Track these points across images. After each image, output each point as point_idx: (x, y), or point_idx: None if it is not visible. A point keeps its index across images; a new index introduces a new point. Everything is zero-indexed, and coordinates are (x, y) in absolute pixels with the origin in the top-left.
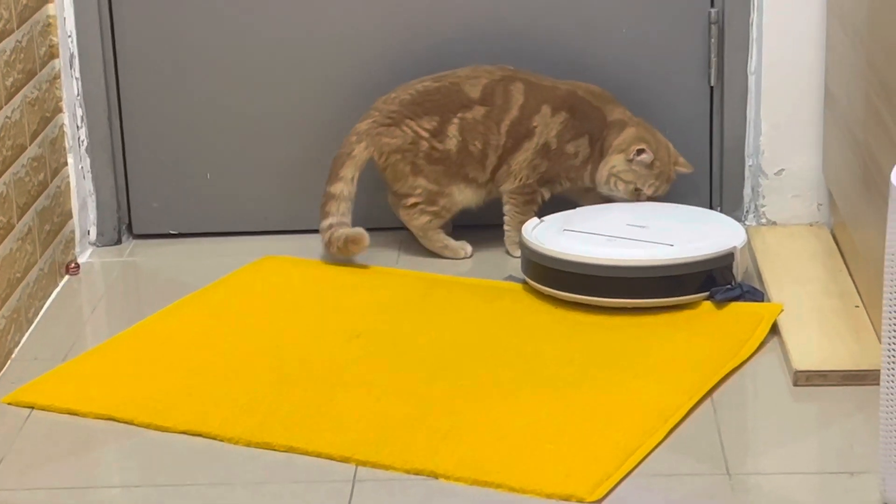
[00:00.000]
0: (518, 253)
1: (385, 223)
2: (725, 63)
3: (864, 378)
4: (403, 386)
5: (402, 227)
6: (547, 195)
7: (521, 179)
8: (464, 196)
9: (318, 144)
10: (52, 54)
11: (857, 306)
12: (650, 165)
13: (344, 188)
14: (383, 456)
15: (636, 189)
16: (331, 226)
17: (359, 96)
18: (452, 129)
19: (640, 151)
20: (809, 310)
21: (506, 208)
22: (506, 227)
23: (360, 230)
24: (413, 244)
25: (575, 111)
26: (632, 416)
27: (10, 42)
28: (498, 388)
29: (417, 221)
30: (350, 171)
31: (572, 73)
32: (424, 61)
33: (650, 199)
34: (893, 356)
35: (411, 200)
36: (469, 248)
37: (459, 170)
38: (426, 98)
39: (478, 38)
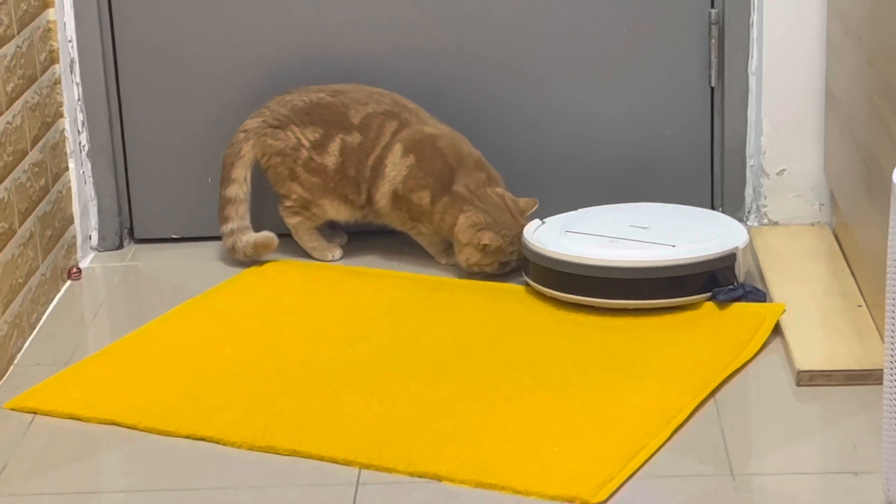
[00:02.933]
0: (444, 261)
1: (384, 227)
2: (726, 63)
3: (867, 378)
4: (406, 389)
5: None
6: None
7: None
8: (336, 212)
9: None
10: (53, 59)
11: (860, 306)
12: (500, 246)
13: (238, 190)
14: (386, 459)
15: (501, 263)
16: (232, 231)
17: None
18: (333, 147)
19: (486, 246)
20: (812, 310)
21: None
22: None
23: (267, 234)
24: (414, 247)
25: (423, 158)
26: (634, 418)
27: (10, 47)
28: (500, 391)
29: (290, 220)
30: (241, 172)
31: (571, 74)
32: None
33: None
34: None
35: (287, 203)
36: (338, 253)
37: (336, 187)
38: (316, 110)
39: (480, 36)
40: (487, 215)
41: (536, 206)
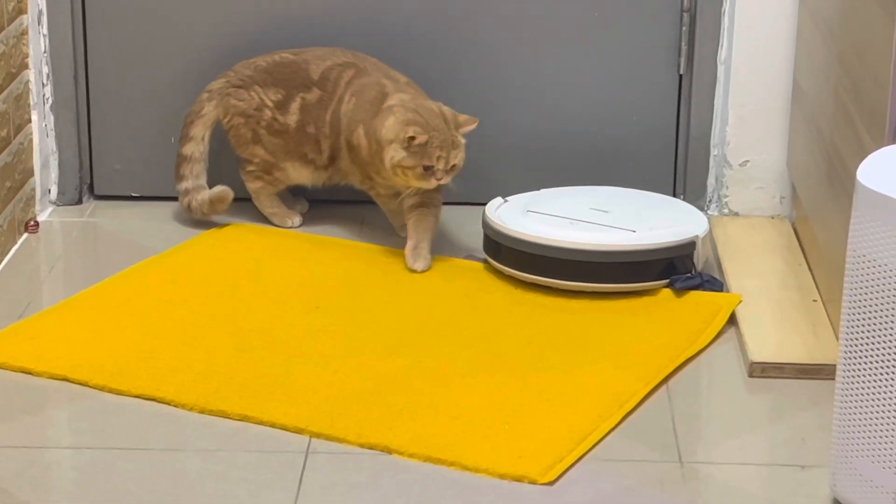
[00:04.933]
0: (404, 233)
1: (347, 196)
2: (696, 51)
3: (819, 372)
4: (361, 360)
5: (365, 201)
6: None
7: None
8: (299, 174)
9: None
10: (21, 10)
11: (815, 300)
12: (427, 144)
13: (195, 148)
14: (338, 429)
15: (425, 168)
16: (187, 190)
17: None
18: (294, 106)
19: (411, 139)
20: (768, 302)
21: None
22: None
23: (221, 188)
24: (376, 218)
25: (361, 95)
26: (587, 400)
27: None
28: (455, 367)
29: (251, 185)
30: (200, 131)
31: (540, 55)
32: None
33: (447, 173)
34: (850, 352)
35: (249, 167)
36: (297, 220)
37: (297, 147)
38: (278, 69)
39: (447, 18)
40: (419, 116)
41: (475, 125)
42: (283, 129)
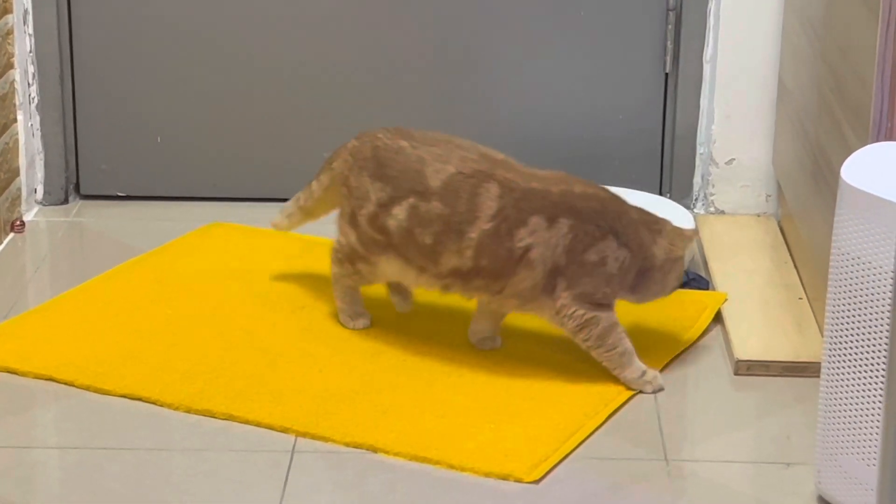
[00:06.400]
0: (650, 389)
1: None
2: (681, 50)
3: (805, 370)
4: (346, 359)
5: None
6: (611, 319)
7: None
8: (396, 272)
9: (270, 113)
10: (6, 9)
11: (801, 298)
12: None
13: (307, 194)
14: (323, 428)
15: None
16: (276, 224)
17: (312, 65)
18: (399, 211)
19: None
20: (753, 300)
21: (586, 347)
22: (613, 370)
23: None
24: None
25: (578, 214)
26: (572, 399)
27: None
28: (440, 366)
29: (332, 267)
30: (324, 181)
31: (527, 53)
32: (371, 40)
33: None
34: (835, 349)
35: (336, 245)
36: (362, 323)
37: (400, 247)
38: (389, 162)
39: (433, 14)
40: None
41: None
42: (382, 227)
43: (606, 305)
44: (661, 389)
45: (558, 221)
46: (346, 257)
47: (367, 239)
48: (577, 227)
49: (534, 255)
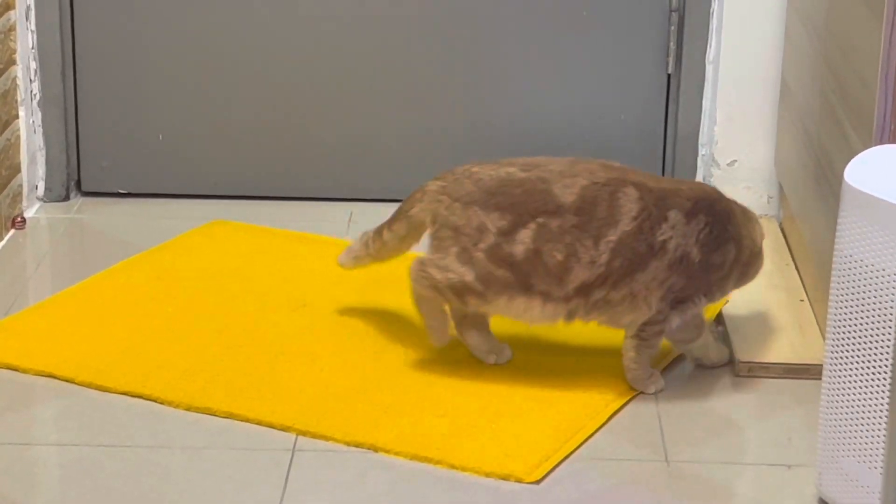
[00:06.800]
0: (652, 390)
1: (334, 193)
2: (684, 51)
3: (806, 372)
4: (347, 358)
5: (353, 198)
6: (675, 322)
7: (652, 306)
8: (516, 307)
9: (272, 111)
10: (9, 5)
11: (802, 300)
12: None
13: (382, 242)
14: (324, 427)
15: None
16: (350, 249)
17: (314, 63)
18: (525, 234)
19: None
20: (755, 302)
21: (632, 342)
22: (631, 365)
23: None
24: (363, 215)
25: (714, 213)
26: (573, 399)
27: None
28: (441, 366)
29: (421, 289)
30: (401, 229)
31: (529, 54)
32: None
33: None
34: (836, 352)
35: (430, 270)
36: (445, 339)
37: (523, 279)
38: (505, 190)
39: (435, 16)
40: None
41: None
42: (507, 258)
43: (683, 305)
44: (662, 389)
45: (697, 217)
46: (454, 292)
47: (487, 276)
48: (713, 225)
49: (671, 245)
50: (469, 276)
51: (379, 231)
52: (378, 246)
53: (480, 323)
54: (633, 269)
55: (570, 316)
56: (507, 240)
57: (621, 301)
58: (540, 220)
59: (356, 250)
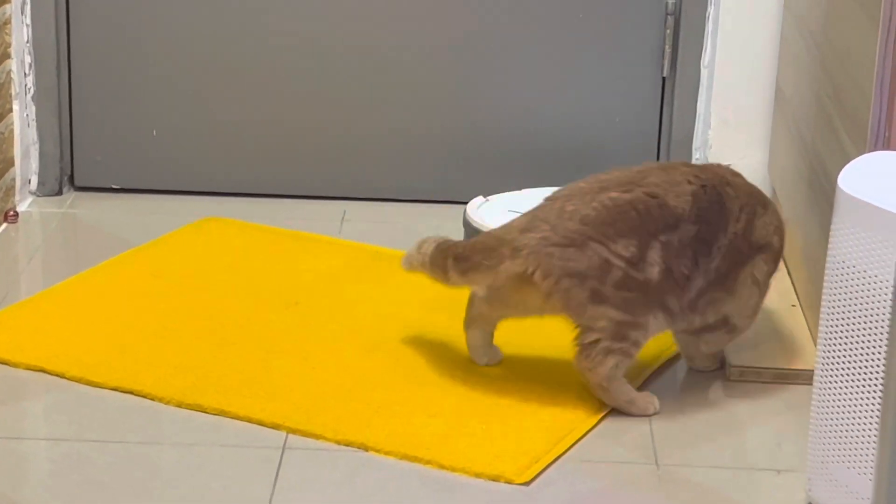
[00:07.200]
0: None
1: (328, 191)
2: (679, 54)
3: (797, 377)
4: (339, 357)
5: (346, 197)
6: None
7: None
8: (659, 323)
9: (266, 107)
10: None
11: (794, 306)
12: None
13: (452, 278)
14: (315, 425)
15: None
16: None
17: (309, 60)
18: (654, 255)
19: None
20: None
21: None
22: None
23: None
24: (357, 214)
25: (766, 204)
26: (565, 401)
27: None
28: (433, 366)
29: (602, 368)
30: (483, 278)
31: (525, 56)
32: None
33: None
34: (828, 358)
35: (590, 336)
36: (657, 402)
37: (659, 297)
38: (619, 215)
39: (433, 17)
40: None
41: None
42: (642, 283)
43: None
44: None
45: (768, 209)
46: (613, 337)
47: (624, 302)
48: (774, 215)
49: (763, 241)
50: (610, 311)
51: (442, 267)
52: (439, 279)
53: (489, 325)
54: (735, 267)
55: (691, 323)
56: (635, 267)
57: (723, 298)
58: (662, 237)
59: (415, 263)
